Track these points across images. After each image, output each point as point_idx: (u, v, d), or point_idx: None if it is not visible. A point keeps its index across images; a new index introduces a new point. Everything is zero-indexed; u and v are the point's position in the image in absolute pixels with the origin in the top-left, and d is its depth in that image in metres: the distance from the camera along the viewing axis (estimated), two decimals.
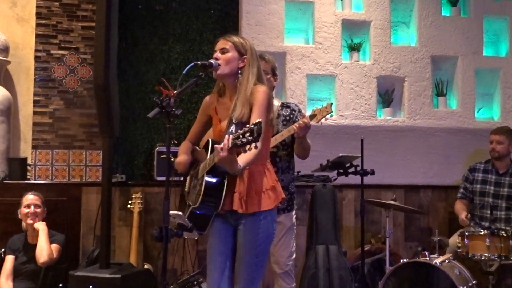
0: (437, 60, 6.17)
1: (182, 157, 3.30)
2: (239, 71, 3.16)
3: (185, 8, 6.06)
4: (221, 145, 2.71)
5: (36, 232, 4.68)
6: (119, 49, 4.71)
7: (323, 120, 4.01)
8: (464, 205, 5.42)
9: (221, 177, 3.00)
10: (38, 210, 4.75)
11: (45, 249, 4.57)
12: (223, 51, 3.17)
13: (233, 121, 3.01)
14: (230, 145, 2.68)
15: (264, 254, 3.15)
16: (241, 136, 2.64)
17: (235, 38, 3.22)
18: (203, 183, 2.98)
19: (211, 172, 3.00)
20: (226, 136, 2.73)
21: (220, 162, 2.77)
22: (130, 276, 4.27)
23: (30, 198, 4.78)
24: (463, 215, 5.16)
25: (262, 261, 3.15)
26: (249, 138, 2.61)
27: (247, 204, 3.05)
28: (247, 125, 2.66)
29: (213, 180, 3.00)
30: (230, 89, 3.21)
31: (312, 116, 4.00)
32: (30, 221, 4.70)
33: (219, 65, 3.15)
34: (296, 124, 3.93)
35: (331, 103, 4.02)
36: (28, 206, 4.73)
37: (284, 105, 4.28)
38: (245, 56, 3.18)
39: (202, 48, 6.03)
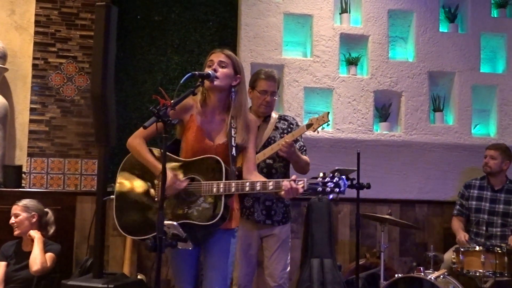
0: (434, 76, 6.19)
1: (173, 178, 3.13)
2: (232, 89, 3.22)
3: (184, 19, 6.07)
4: (295, 187, 2.87)
5: (31, 240, 4.65)
6: (117, 59, 4.70)
7: (319, 129, 4.04)
8: (461, 223, 5.42)
9: (229, 198, 3.10)
10: (17, 219, 4.68)
11: (38, 258, 4.54)
12: (222, 65, 3.20)
13: (233, 144, 3.12)
14: (305, 188, 2.86)
15: (232, 265, 3.28)
16: (321, 183, 2.81)
17: (233, 56, 3.27)
18: (222, 204, 3.01)
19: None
20: (304, 179, 2.87)
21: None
22: (123, 286, 4.24)
23: (13, 208, 4.73)
24: (462, 236, 5.14)
25: (230, 272, 3.25)
26: (334, 189, 2.79)
27: (232, 220, 3.19)
28: (332, 176, 2.81)
29: (227, 201, 3.06)
30: (216, 103, 3.24)
31: (309, 125, 4.03)
32: (16, 232, 4.67)
33: (216, 77, 3.15)
34: (275, 144, 3.99)
35: (328, 112, 4.05)
36: (11, 217, 4.70)
37: (282, 118, 4.32)
38: (239, 75, 3.25)
39: (200, 59, 6.03)
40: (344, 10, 6.12)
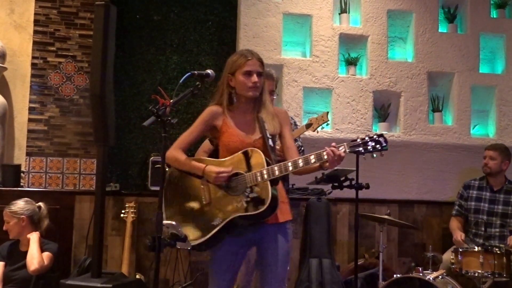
0: (434, 76, 6.20)
1: (216, 169, 3.16)
2: None
3: (183, 19, 6.07)
4: (340, 153, 2.95)
5: (27, 240, 4.64)
6: (116, 58, 4.70)
7: (319, 129, 4.05)
8: (459, 223, 5.42)
9: (276, 185, 3.11)
10: (8, 225, 4.61)
11: (35, 257, 4.52)
12: (260, 74, 3.24)
13: (268, 135, 3.18)
14: (347, 151, 2.96)
15: (289, 261, 3.29)
16: (362, 144, 2.94)
17: (261, 59, 3.31)
18: (269, 189, 3.03)
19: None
20: (344, 144, 2.97)
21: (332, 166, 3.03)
22: (122, 285, 4.23)
23: (3, 213, 4.67)
24: (458, 236, 5.14)
25: (287, 269, 3.28)
26: (376, 146, 2.93)
27: (279, 214, 3.18)
28: (369, 135, 2.95)
29: (274, 188, 3.08)
30: (245, 105, 3.29)
31: (309, 125, 4.04)
32: (10, 236, 4.65)
33: (256, 87, 3.21)
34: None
35: (327, 112, 4.06)
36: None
37: None
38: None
39: (199, 59, 6.04)
40: (343, 10, 6.13)
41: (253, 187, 3.07)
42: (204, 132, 3.37)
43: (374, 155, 2.91)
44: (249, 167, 3.11)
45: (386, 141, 2.93)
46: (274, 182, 3.07)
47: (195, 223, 3.22)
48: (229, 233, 3.16)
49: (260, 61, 3.26)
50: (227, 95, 3.27)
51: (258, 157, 3.10)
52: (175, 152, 3.31)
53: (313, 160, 2.97)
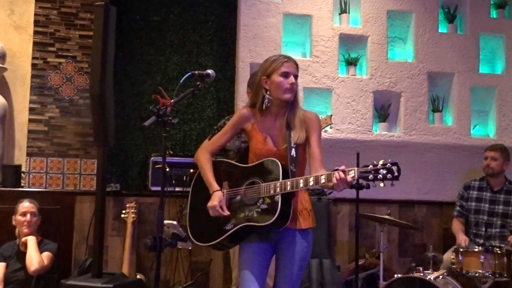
0: (434, 77, 6.19)
1: (217, 200, 3.20)
2: None
3: (182, 19, 6.07)
4: (348, 179, 2.88)
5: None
6: (116, 59, 4.70)
7: (322, 132, 4.03)
8: (461, 225, 5.41)
9: (290, 198, 3.09)
10: (35, 218, 4.72)
11: (35, 258, 4.53)
12: (296, 78, 3.25)
13: (292, 145, 3.14)
14: (356, 177, 2.89)
15: (304, 268, 3.27)
16: (373, 171, 2.83)
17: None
18: (279, 203, 3.02)
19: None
20: (355, 169, 2.89)
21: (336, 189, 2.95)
22: (122, 286, 4.23)
23: (26, 205, 4.73)
24: (462, 241, 5.13)
25: (301, 275, 3.27)
26: (387, 175, 2.82)
27: (301, 220, 3.19)
28: (382, 164, 2.84)
29: (286, 200, 3.06)
30: (277, 110, 3.27)
31: None
32: (26, 230, 4.67)
33: (292, 90, 3.20)
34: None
35: (331, 115, 4.05)
36: (24, 214, 4.69)
37: None
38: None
39: (199, 59, 6.04)
40: (343, 11, 6.13)
41: (265, 199, 3.08)
42: (234, 135, 3.40)
43: (382, 185, 2.86)
44: (265, 178, 3.12)
45: (399, 171, 2.85)
46: (290, 194, 3.06)
47: (210, 224, 3.24)
48: (241, 238, 3.20)
49: (297, 65, 3.27)
50: (261, 98, 3.25)
51: (275, 168, 3.09)
52: (202, 155, 3.34)
53: (323, 181, 2.95)
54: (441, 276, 4.47)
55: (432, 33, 6.20)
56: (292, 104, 3.26)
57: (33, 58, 5.74)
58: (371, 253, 5.63)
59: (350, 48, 6.15)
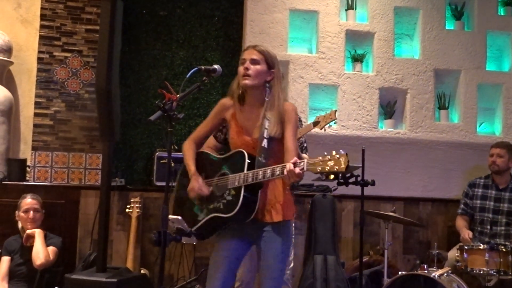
0: (440, 74, 6.17)
1: (196, 181, 3.22)
2: (267, 84, 3.20)
3: (189, 14, 6.06)
4: (297, 172, 2.81)
5: (33, 235, 4.65)
6: (122, 54, 4.70)
7: (326, 127, 4.03)
8: (465, 222, 5.40)
9: (256, 189, 3.06)
10: (38, 215, 4.72)
11: (41, 252, 4.54)
12: (254, 62, 3.18)
13: (265, 136, 3.09)
14: (305, 169, 2.80)
15: (285, 261, 3.23)
16: (321, 163, 2.76)
17: (266, 51, 3.24)
18: (241, 195, 3.01)
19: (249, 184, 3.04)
20: (304, 161, 2.82)
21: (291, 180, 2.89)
22: (126, 280, 4.24)
23: (28, 202, 4.72)
24: (466, 234, 5.12)
25: (283, 269, 3.23)
26: (334, 167, 2.75)
27: (273, 214, 3.15)
28: (330, 156, 2.76)
29: (251, 192, 3.04)
30: (253, 100, 3.24)
31: (316, 123, 4.03)
32: (29, 227, 4.67)
33: (249, 75, 3.14)
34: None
35: (335, 110, 4.04)
36: (27, 211, 4.69)
37: None
38: (273, 70, 3.23)
39: (205, 54, 6.04)
40: (350, 7, 6.11)
41: (231, 190, 3.08)
42: (217, 124, 3.37)
43: (331, 177, 2.81)
44: (233, 169, 3.12)
45: (347, 162, 2.77)
46: (256, 186, 3.04)
47: (187, 213, 3.26)
48: (215, 228, 3.20)
49: (260, 51, 3.20)
50: (238, 88, 3.26)
51: (242, 160, 3.08)
52: (187, 143, 3.37)
53: (277, 173, 2.91)
54: (445, 274, 4.46)
55: (439, 30, 6.17)
56: (270, 95, 3.21)
57: (39, 52, 5.75)
58: (376, 250, 5.63)
59: (357, 45, 6.13)
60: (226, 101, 3.31)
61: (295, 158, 2.86)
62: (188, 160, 3.30)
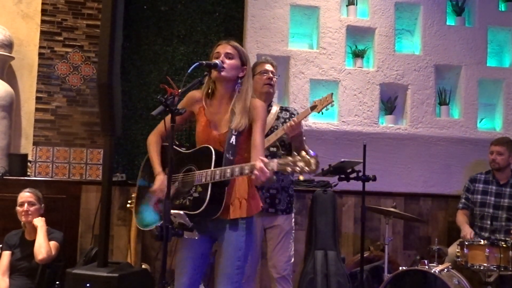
0: (441, 69, 6.17)
1: (160, 181, 3.23)
2: (238, 80, 3.22)
3: (190, 9, 6.06)
4: (266, 171, 2.78)
5: (34, 229, 4.66)
6: (123, 49, 4.71)
7: (324, 111, 4.04)
8: (466, 217, 5.41)
9: (223, 186, 3.06)
10: (32, 208, 4.69)
11: (43, 246, 4.54)
12: (229, 56, 3.20)
13: (233, 132, 3.10)
14: (275, 169, 2.77)
15: (246, 259, 3.19)
16: (291, 163, 2.72)
17: (239, 47, 3.27)
18: (208, 192, 3.00)
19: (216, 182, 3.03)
20: (274, 161, 2.78)
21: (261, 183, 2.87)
22: (128, 275, 4.26)
23: (24, 196, 4.72)
24: (468, 234, 5.12)
25: (242, 267, 3.18)
26: (304, 168, 2.69)
27: (231, 210, 3.14)
28: (300, 156, 2.71)
29: (218, 188, 3.04)
30: (223, 94, 3.25)
31: (313, 107, 4.05)
32: (24, 220, 4.67)
33: (223, 67, 3.16)
34: (280, 129, 4.01)
35: (332, 93, 4.05)
36: (22, 204, 4.69)
37: (283, 109, 4.40)
38: (245, 67, 3.26)
39: (206, 50, 6.02)
40: (351, 2, 6.10)
41: (197, 187, 3.07)
42: (185, 117, 3.32)
43: (301, 178, 2.81)
44: (200, 165, 3.10)
45: (317, 164, 2.71)
46: (223, 183, 3.03)
47: (152, 209, 3.29)
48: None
49: (234, 46, 3.23)
50: (208, 82, 3.26)
51: (209, 156, 3.07)
52: (151, 137, 3.38)
53: (246, 171, 2.88)
54: (446, 269, 4.47)
55: (440, 25, 6.17)
56: (239, 90, 3.21)
57: (40, 47, 5.75)
58: (376, 245, 5.64)
59: (358, 40, 6.13)
60: (195, 93, 3.29)
61: (264, 158, 2.84)
62: (153, 157, 3.31)
